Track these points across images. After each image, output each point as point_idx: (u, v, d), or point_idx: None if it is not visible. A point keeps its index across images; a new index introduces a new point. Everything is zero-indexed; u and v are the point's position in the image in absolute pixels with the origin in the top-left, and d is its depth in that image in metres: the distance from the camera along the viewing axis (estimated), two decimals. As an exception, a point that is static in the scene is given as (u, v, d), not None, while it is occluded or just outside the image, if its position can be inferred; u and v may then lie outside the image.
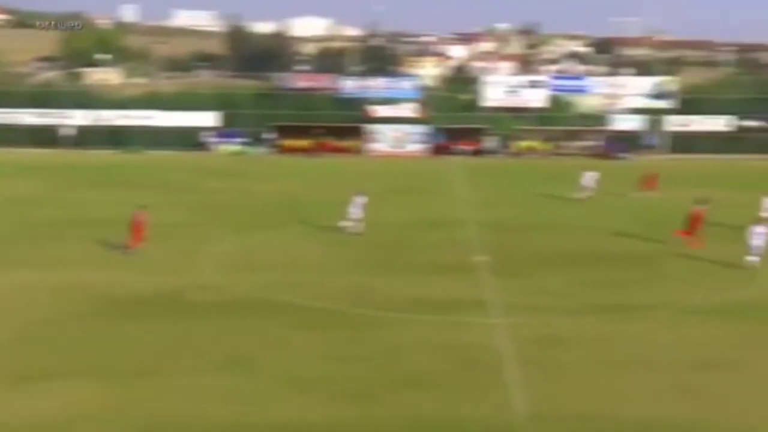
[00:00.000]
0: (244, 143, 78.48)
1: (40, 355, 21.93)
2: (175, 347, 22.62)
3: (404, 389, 19.65)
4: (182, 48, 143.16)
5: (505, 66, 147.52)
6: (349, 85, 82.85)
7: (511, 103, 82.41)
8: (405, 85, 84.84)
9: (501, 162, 73.88)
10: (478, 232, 39.21)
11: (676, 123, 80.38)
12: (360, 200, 39.06)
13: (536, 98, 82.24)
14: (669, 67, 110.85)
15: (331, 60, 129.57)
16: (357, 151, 78.46)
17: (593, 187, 50.26)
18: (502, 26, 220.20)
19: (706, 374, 20.70)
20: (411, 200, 48.08)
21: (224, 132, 79.43)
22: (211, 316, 25.59)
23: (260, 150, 77.69)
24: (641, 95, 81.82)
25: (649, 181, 52.40)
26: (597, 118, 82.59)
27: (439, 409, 18.52)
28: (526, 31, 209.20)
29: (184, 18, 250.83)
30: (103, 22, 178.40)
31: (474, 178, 60.91)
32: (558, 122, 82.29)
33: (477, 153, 77.94)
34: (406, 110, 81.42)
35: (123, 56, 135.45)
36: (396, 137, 79.95)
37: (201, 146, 78.31)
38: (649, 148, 79.62)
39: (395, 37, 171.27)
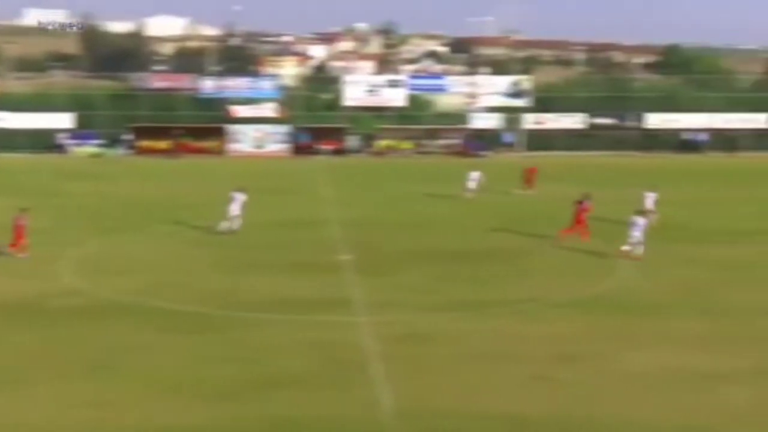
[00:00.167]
0: (101, 145, 76.95)
1: None
2: (38, 355, 22.05)
3: (271, 389, 19.66)
4: (35, 48, 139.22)
5: (365, 65, 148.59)
6: (209, 85, 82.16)
7: (371, 102, 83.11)
8: (265, 85, 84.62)
9: (363, 161, 74.37)
10: (342, 231, 39.43)
11: (532, 121, 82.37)
12: (240, 197, 38.87)
13: (396, 97, 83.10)
14: (524, 66, 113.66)
15: (189, 60, 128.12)
16: (218, 152, 77.88)
17: (477, 186, 50.92)
18: (361, 26, 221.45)
19: (567, 366, 21.18)
20: (274, 200, 47.96)
21: (80, 134, 77.74)
22: (74, 322, 25.04)
23: (118, 152, 76.32)
24: (498, 94, 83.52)
25: (529, 177, 53.41)
26: (456, 117, 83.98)
27: (307, 409, 18.60)
28: (384, 31, 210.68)
29: (34, 16, 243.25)
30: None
31: (337, 178, 61.17)
32: (418, 121, 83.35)
33: (339, 152, 78.29)
34: (267, 110, 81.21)
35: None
36: (257, 137, 79.66)
37: (57, 148, 76.43)
38: (507, 146, 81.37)
39: (254, 36, 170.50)
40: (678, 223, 40.56)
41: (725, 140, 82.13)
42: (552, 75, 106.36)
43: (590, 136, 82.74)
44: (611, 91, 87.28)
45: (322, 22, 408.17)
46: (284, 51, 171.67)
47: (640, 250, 33.33)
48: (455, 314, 25.98)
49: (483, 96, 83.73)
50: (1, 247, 33.67)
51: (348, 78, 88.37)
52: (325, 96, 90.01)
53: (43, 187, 53.50)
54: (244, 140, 79.41)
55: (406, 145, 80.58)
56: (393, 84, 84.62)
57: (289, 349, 22.58)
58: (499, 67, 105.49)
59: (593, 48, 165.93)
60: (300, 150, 78.42)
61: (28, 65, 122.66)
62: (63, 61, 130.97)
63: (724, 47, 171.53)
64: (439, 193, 51.08)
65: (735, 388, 19.65)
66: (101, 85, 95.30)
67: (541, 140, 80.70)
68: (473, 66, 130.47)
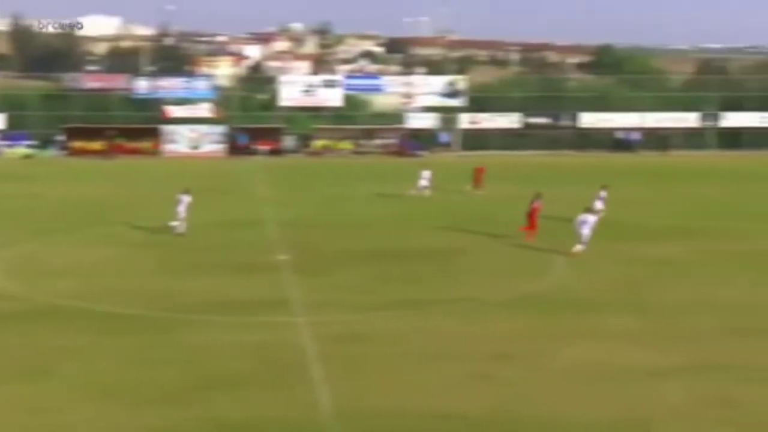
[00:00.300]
0: (32, 146, 75.88)
1: None
2: (-32, 360, 21.71)
3: (209, 391, 19.53)
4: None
5: (301, 66, 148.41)
6: (143, 86, 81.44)
7: (307, 102, 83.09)
8: (200, 85, 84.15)
9: (300, 161, 74.28)
10: (279, 232, 39.35)
11: (467, 121, 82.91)
12: (186, 199, 38.56)
13: (332, 97, 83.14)
14: (459, 66, 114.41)
15: (122, 60, 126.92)
16: (153, 153, 77.26)
17: (430, 183, 51.08)
18: (297, 26, 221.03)
19: (505, 364, 21.31)
20: (211, 201, 47.64)
21: (11, 134, 76.58)
22: (6, 325, 24.63)
23: (50, 153, 75.31)
24: (434, 94, 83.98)
25: (478, 177, 53.62)
26: (392, 117, 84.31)
27: (246, 410, 18.53)
28: (320, 31, 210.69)
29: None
30: None
31: (273, 178, 61.01)
32: (354, 121, 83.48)
33: (275, 153, 78.08)
34: (203, 110, 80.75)
35: None
36: (193, 138, 79.15)
37: (-14, 150, 75.25)
38: (444, 145, 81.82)
39: (189, 36, 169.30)
40: (613, 221, 41.05)
41: (657, 139, 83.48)
42: (487, 75, 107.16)
43: (525, 135, 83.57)
44: (545, 90, 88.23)
45: (258, 22, 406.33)
46: (219, 51, 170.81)
47: (581, 248, 33.77)
48: (393, 314, 26.03)
49: (419, 96, 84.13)
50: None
51: (284, 78, 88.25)
52: (261, 96, 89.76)
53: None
54: (180, 141, 78.85)
55: (345, 145, 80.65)
56: (329, 84, 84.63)
57: (227, 351, 22.46)
58: (434, 67, 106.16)
59: (527, 48, 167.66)
60: (236, 150, 78.06)
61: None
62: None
63: (655, 47, 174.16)
64: (378, 192, 51.15)
65: (669, 384, 19.95)
66: (33, 85, 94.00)
67: (477, 140, 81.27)
68: (409, 66, 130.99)
